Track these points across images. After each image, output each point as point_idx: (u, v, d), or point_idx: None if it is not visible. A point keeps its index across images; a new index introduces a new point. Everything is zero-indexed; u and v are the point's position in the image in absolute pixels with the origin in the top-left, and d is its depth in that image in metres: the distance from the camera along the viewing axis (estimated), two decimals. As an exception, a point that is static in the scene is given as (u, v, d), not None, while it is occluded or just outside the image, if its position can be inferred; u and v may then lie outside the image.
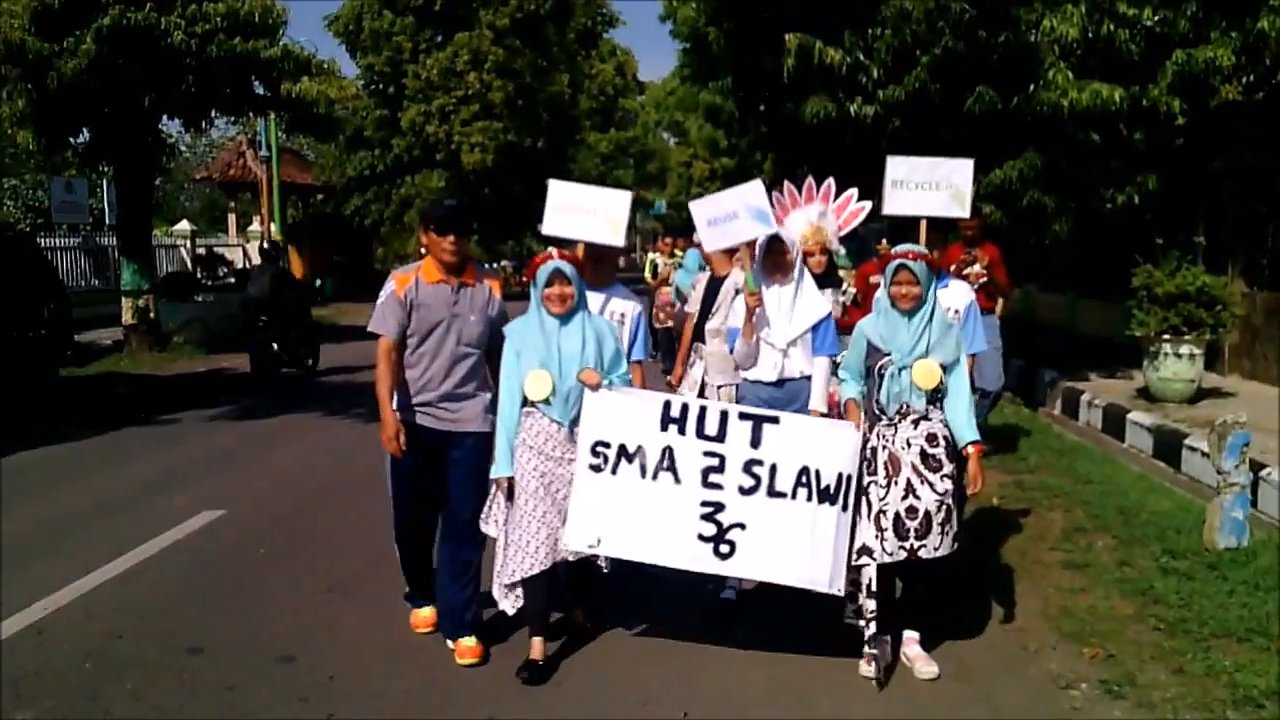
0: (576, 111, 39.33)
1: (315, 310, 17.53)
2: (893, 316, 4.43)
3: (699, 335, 5.60)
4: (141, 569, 5.97)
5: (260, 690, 4.32)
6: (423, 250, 4.68)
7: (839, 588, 4.39)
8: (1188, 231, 11.93)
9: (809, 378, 4.82)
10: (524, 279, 4.54)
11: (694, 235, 7.35)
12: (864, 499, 4.41)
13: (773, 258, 4.84)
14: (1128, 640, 4.71)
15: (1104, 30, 9.61)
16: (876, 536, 4.34)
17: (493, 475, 4.43)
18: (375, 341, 4.55)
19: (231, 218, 31.90)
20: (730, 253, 5.41)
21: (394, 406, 4.49)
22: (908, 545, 4.30)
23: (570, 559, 4.46)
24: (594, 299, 4.80)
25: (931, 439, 4.36)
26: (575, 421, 4.41)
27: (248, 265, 25.41)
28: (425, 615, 4.94)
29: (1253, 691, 4.11)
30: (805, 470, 4.35)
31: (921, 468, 4.32)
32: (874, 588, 4.36)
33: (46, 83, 13.79)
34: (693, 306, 5.83)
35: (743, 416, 4.46)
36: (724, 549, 4.37)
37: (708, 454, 4.39)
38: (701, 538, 4.37)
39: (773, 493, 4.36)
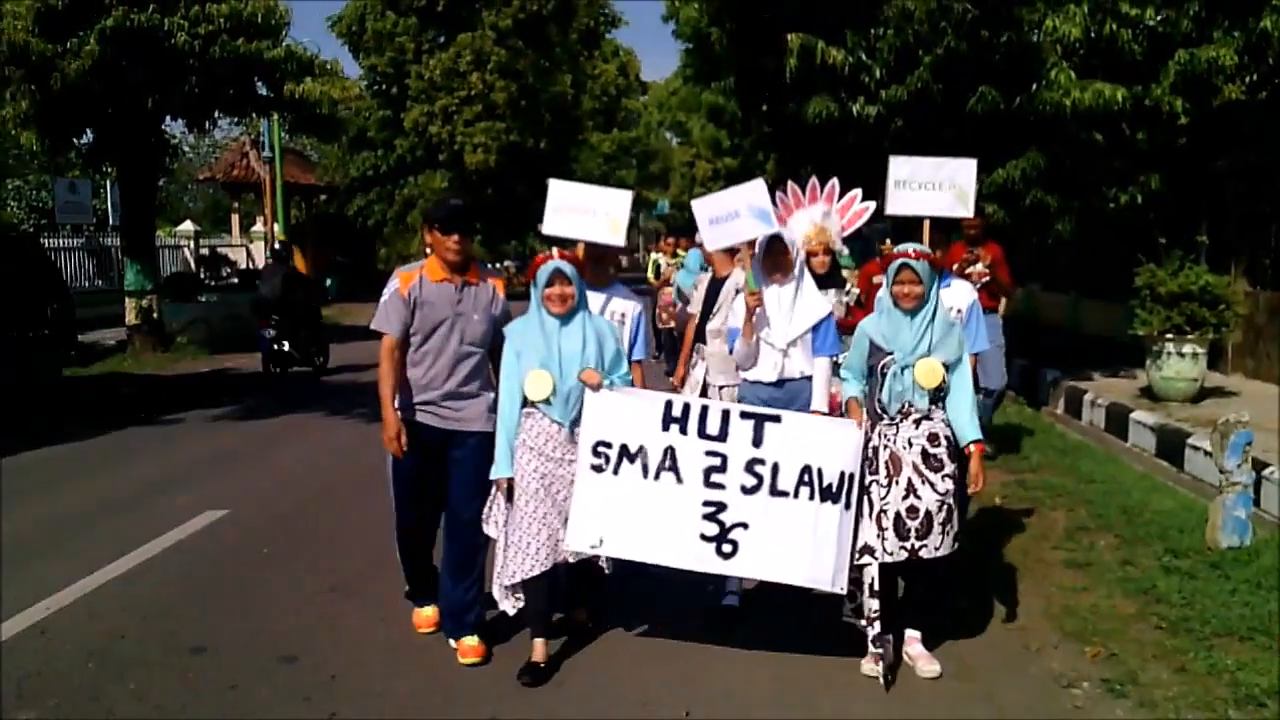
0: (579, 112, 39.35)
1: (317, 310, 17.62)
2: (895, 316, 4.42)
3: (701, 336, 5.60)
4: (144, 569, 5.98)
5: (262, 690, 4.32)
6: (427, 250, 4.68)
7: (841, 586, 4.39)
8: (1190, 231, 11.92)
9: (809, 378, 4.80)
10: (524, 279, 4.54)
11: (696, 235, 7.35)
12: (865, 498, 4.41)
13: (772, 257, 4.83)
14: (1130, 639, 4.71)
15: (1106, 30, 9.61)
16: (878, 536, 4.34)
17: (492, 476, 4.42)
18: (378, 341, 4.56)
19: (235, 218, 31.97)
20: (732, 253, 5.40)
21: (396, 406, 4.49)
22: (908, 545, 4.30)
23: (570, 560, 4.45)
24: (594, 299, 4.79)
25: (933, 438, 4.36)
26: (575, 422, 4.40)
27: (251, 266, 25.50)
28: (427, 615, 4.94)
29: (1254, 690, 4.11)
30: (807, 469, 4.35)
31: (923, 467, 4.32)
32: (877, 587, 4.36)
33: (50, 84, 13.82)
34: (695, 308, 5.83)
35: (744, 415, 4.45)
36: (726, 548, 4.36)
37: (710, 453, 4.38)
38: (704, 537, 4.36)
39: (775, 492, 4.35)
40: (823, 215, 5.40)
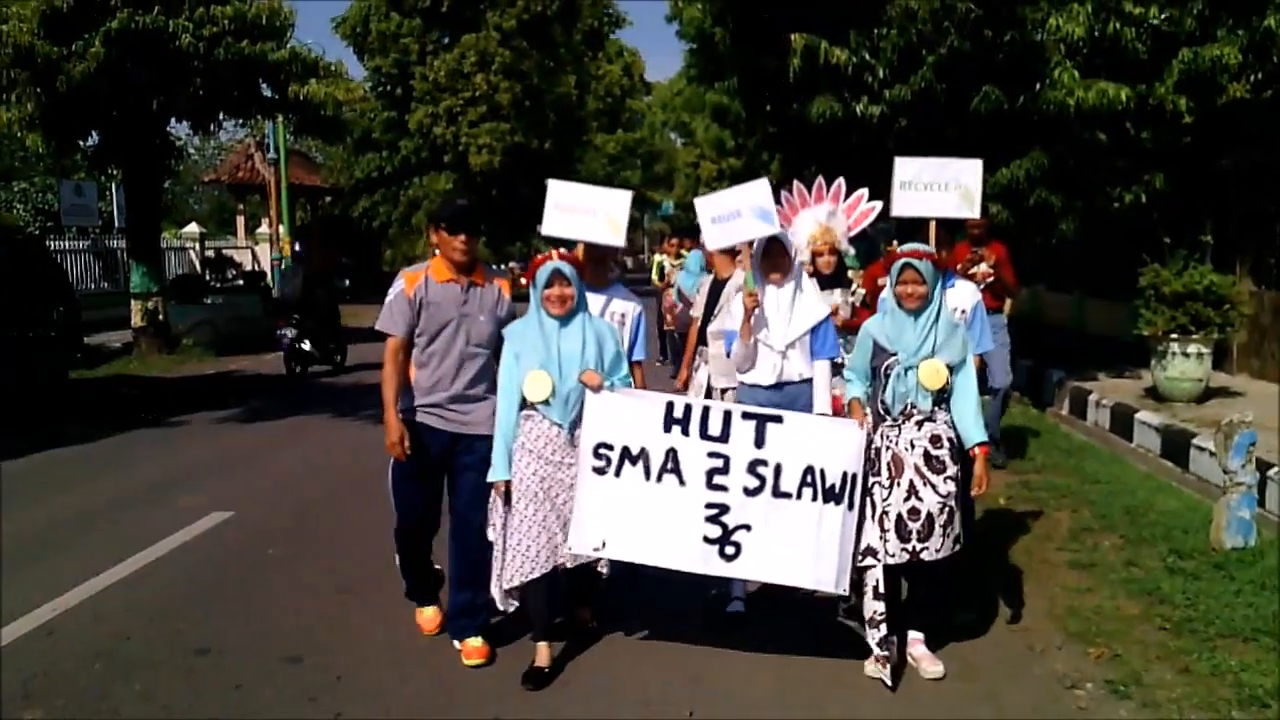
0: (583, 112, 39.39)
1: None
2: (899, 316, 4.42)
3: (704, 338, 5.59)
4: (150, 570, 6.01)
5: (267, 690, 4.34)
6: (433, 251, 4.68)
7: (844, 587, 4.39)
8: (1195, 230, 11.90)
9: (808, 381, 4.78)
10: (524, 280, 4.53)
11: (699, 236, 7.35)
12: (868, 500, 4.40)
13: (770, 258, 4.81)
14: (1134, 640, 4.70)
15: (1110, 29, 9.60)
16: (880, 538, 4.34)
17: (490, 479, 4.38)
18: (384, 343, 4.56)
19: (240, 220, 32.04)
20: (733, 254, 5.40)
21: (399, 408, 4.50)
22: (910, 547, 4.30)
23: (569, 564, 4.43)
24: (594, 300, 4.78)
25: (935, 440, 4.35)
26: (575, 424, 4.38)
27: (256, 268, 25.57)
28: (428, 615, 4.95)
29: (1258, 691, 4.11)
30: (810, 470, 4.34)
31: (925, 469, 4.32)
32: (881, 589, 4.36)
33: (55, 86, 13.85)
34: (697, 310, 5.82)
35: (746, 416, 4.43)
36: (730, 550, 4.36)
37: (712, 455, 4.38)
38: (707, 539, 4.36)
39: (778, 493, 4.35)
40: (828, 215, 5.38)
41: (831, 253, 5.33)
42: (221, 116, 17.37)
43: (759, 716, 4.15)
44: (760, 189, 4.79)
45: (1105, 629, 4.84)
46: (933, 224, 5.20)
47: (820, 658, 4.59)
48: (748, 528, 4.34)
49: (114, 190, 22.74)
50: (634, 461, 4.39)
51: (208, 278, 23.64)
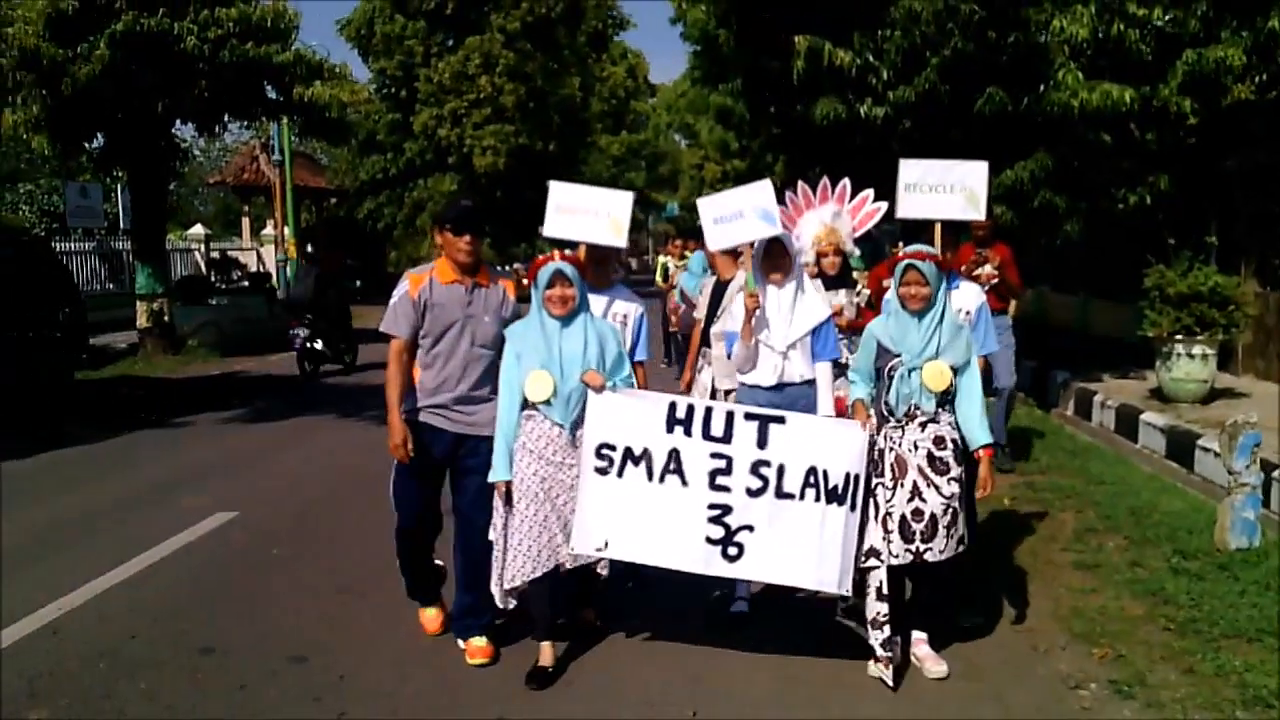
0: (588, 114, 39.41)
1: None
2: (902, 318, 4.41)
3: (707, 340, 5.59)
4: (154, 570, 6.02)
5: (272, 690, 4.35)
6: (438, 252, 4.68)
7: (847, 588, 4.39)
8: (1200, 231, 11.88)
9: (809, 382, 4.78)
10: (526, 281, 4.53)
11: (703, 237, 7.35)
12: (871, 501, 4.40)
13: (771, 259, 4.80)
14: (1138, 640, 4.70)
15: (1114, 30, 9.58)
16: (884, 539, 4.34)
17: (491, 479, 4.37)
18: (389, 344, 4.57)
19: (245, 222, 32.08)
20: (735, 255, 5.40)
21: (404, 409, 4.50)
22: (913, 548, 4.30)
23: (570, 565, 4.43)
24: (597, 301, 4.77)
25: (939, 442, 4.35)
26: (576, 425, 4.37)
27: (261, 269, 25.61)
28: (430, 615, 4.96)
29: (1262, 691, 4.10)
30: (813, 470, 4.34)
31: (928, 470, 4.32)
32: (884, 590, 4.36)
33: (61, 88, 13.90)
34: (700, 312, 5.82)
35: (749, 417, 4.43)
36: (732, 551, 4.35)
37: (714, 455, 4.37)
38: (710, 540, 4.36)
39: (781, 494, 4.35)
40: (833, 216, 5.38)
41: (836, 254, 5.33)
42: (226, 118, 17.44)
43: (760, 716, 4.15)
44: (762, 190, 4.78)
45: (1109, 629, 4.83)
46: (938, 226, 5.19)
47: (822, 658, 4.59)
48: (750, 528, 4.34)
49: (119, 192, 22.82)
50: (636, 462, 4.38)
51: (213, 279, 23.63)
